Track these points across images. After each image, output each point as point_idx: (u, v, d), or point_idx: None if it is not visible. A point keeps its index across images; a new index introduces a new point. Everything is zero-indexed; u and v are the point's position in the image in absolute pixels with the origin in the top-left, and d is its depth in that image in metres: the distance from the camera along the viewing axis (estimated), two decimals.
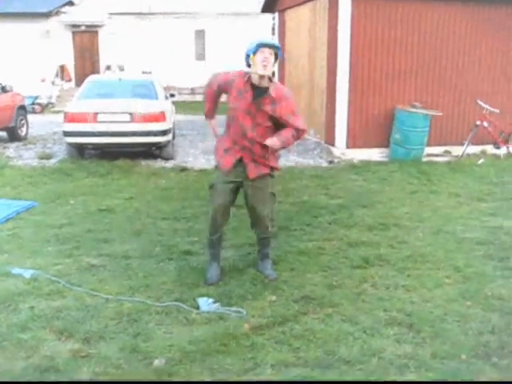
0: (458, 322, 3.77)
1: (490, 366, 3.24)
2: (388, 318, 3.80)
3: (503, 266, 4.82)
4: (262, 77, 4.11)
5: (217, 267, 4.53)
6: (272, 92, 4.15)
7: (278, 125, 4.26)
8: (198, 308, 3.92)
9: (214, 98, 4.48)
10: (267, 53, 4.06)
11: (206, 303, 3.95)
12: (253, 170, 4.32)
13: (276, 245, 4.94)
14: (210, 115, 4.59)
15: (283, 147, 4.36)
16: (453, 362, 3.28)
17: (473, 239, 5.54)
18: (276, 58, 4.14)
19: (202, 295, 4.09)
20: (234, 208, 4.70)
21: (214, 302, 3.98)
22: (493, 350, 3.41)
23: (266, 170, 4.38)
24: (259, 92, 4.16)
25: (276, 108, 4.17)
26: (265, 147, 4.27)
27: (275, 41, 4.35)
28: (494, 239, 5.53)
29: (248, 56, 4.12)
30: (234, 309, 3.91)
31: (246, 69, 4.21)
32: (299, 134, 4.31)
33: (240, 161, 4.31)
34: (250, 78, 4.17)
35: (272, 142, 4.20)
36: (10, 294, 4.10)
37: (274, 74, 4.23)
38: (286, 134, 4.25)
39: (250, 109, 4.17)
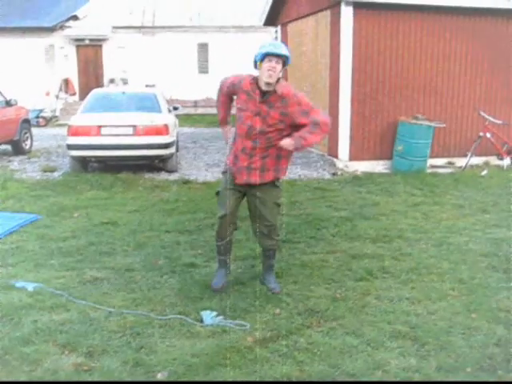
0: (463, 335, 3.75)
1: (496, 379, 3.21)
2: (392, 331, 3.79)
3: (508, 278, 4.79)
4: (268, 83, 4.09)
5: (224, 274, 4.53)
6: (279, 90, 4.09)
7: (294, 127, 4.15)
8: (201, 321, 3.92)
9: (226, 103, 4.48)
10: (274, 62, 4.02)
11: (209, 316, 3.95)
12: (256, 177, 4.26)
13: (279, 257, 4.93)
14: (224, 122, 4.62)
15: (302, 147, 4.21)
16: (458, 375, 3.26)
17: (477, 251, 5.53)
18: (284, 65, 4.10)
19: (206, 308, 4.08)
20: (238, 220, 4.68)
21: (218, 315, 3.97)
22: (498, 363, 3.39)
23: (271, 178, 4.32)
24: (267, 93, 4.13)
25: (287, 105, 4.09)
26: (274, 158, 4.24)
27: (284, 48, 4.15)
28: (498, 251, 5.52)
29: (256, 62, 4.12)
30: (237, 322, 3.90)
31: (255, 72, 4.20)
32: (321, 127, 4.10)
33: (248, 168, 4.25)
34: (257, 80, 4.15)
35: (286, 142, 4.10)
36: (13, 307, 4.10)
37: (279, 80, 4.15)
38: (302, 132, 4.10)
39: (260, 109, 4.12)
